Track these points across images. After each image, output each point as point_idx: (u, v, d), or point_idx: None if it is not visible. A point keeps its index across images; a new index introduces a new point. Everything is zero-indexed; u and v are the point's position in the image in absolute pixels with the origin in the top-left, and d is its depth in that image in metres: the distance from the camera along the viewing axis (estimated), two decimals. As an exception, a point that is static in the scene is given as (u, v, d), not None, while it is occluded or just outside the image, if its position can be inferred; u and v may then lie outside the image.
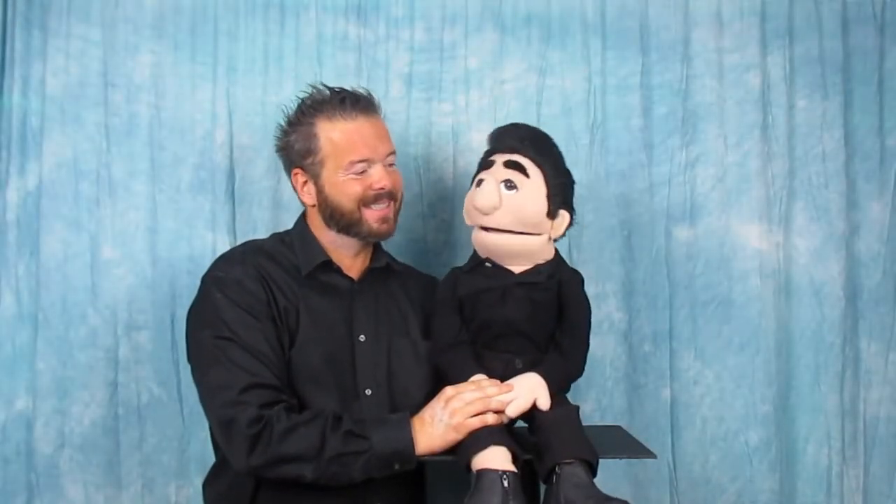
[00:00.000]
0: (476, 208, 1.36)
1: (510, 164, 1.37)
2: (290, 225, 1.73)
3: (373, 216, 1.46)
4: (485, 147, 1.57)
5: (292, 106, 1.51)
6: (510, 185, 1.35)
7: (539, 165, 1.38)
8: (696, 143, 1.83)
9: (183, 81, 1.78)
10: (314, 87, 1.48)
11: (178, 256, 1.77)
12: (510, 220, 1.35)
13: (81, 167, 1.76)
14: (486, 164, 1.40)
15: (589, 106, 1.83)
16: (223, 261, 1.49)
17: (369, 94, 1.49)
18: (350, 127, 1.44)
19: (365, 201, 1.45)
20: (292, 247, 1.51)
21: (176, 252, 1.77)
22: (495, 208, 1.34)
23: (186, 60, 1.79)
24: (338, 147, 1.44)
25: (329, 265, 1.49)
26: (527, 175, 1.36)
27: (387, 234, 1.50)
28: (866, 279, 1.81)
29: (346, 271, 1.51)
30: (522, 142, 1.40)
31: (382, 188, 1.45)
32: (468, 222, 1.46)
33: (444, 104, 1.83)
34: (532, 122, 1.63)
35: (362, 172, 1.44)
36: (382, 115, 1.52)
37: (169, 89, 1.78)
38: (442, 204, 1.82)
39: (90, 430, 1.73)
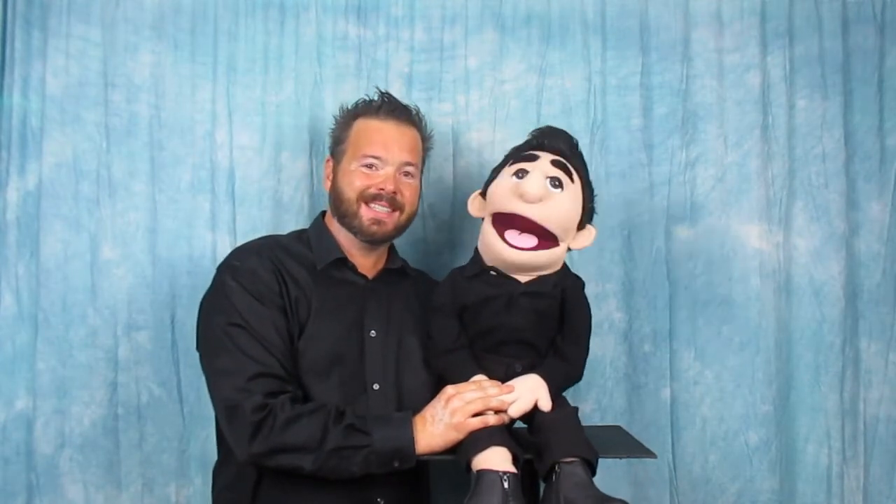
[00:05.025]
0: (522, 195, 1.33)
1: (558, 164, 1.37)
2: (289, 225, 1.74)
3: (367, 214, 1.49)
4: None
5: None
6: (556, 183, 1.35)
7: (580, 176, 1.40)
8: (696, 143, 1.83)
9: (183, 81, 1.78)
10: (377, 89, 1.57)
11: (178, 256, 1.77)
12: (549, 217, 1.34)
13: (81, 167, 1.76)
14: (527, 157, 1.39)
15: (589, 106, 1.83)
16: (240, 251, 1.52)
17: (415, 108, 1.58)
18: (376, 126, 1.52)
19: (365, 197, 1.49)
20: (309, 243, 1.54)
21: (176, 252, 1.77)
22: (542, 199, 1.33)
23: (186, 60, 1.79)
24: (359, 139, 1.52)
25: (344, 262, 1.52)
26: (572, 179, 1.37)
27: (377, 236, 1.51)
28: (866, 279, 1.80)
29: (360, 270, 1.53)
30: (570, 148, 1.42)
31: (382, 189, 1.48)
32: (481, 212, 1.44)
33: (444, 104, 1.83)
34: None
35: (371, 167, 1.49)
36: (426, 133, 1.60)
37: (169, 89, 1.78)
38: (442, 204, 1.82)
39: (90, 430, 1.73)
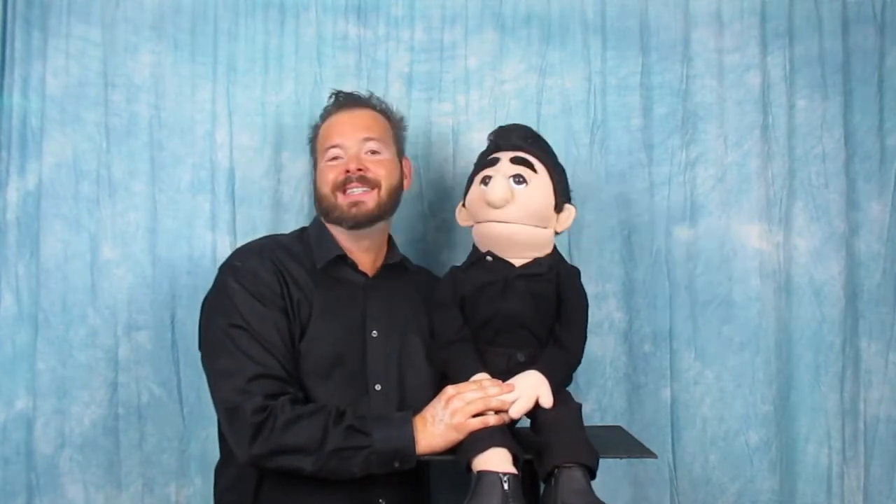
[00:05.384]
0: (489, 203, 1.36)
1: (517, 160, 1.39)
2: (289, 225, 1.74)
3: (345, 200, 1.50)
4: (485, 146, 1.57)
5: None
6: (520, 179, 1.37)
7: (543, 161, 1.41)
8: (696, 143, 1.83)
9: (183, 81, 1.78)
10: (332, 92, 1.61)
11: (178, 256, 1.77)
12: (521, 214, 1.36)
13: (81, 167, 1.76)
14: (489, 162, 1.42)
15: (589, 106, 1.83)
16: (242, 251, 1.52)
17: (365, 92, 1.61)
18: (332, 121, 1.56)
19: (337, 186, 1.50)
20: (309, 242, 1.54)
21: (176, 252, 1.77)
22: (508, 202, 1.35)
23: (186, 60, 1.79)
24: (321, 138, 1.56)
25: (344, 260, 1.52)
26: (534, 170, 1.39)
27: (359, 218, 1.50)
28: (866, 279, 1.80)
29: (360, 267, 1.53)
30: (526, 139, 1.43)
31: (348, 171, 1.49)
32: (468, 222, 1.46)
33: (444, 104, 1.83)
34: (532, 123, 1.64)
35: (335, 158, 1.52)
36: (392, 114, 1.60)
37: (169, 89, 1.78)
38: (442, 204, 1.82)
39: (90, 430, 1.73)
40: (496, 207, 1.35)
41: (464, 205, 1.48)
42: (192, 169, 1.78)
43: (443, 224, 1.82)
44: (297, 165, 1.80)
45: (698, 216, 1.82)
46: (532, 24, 1.84)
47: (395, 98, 1.78)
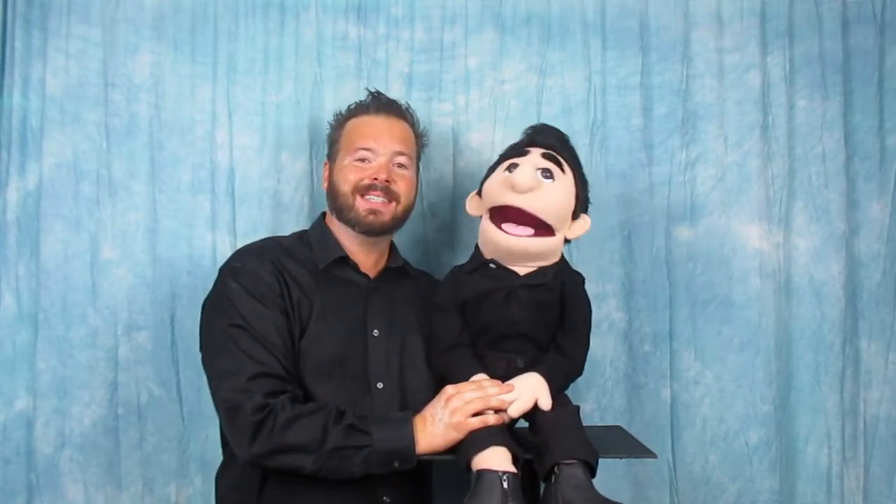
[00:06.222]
0: (513, 186, 1.35)
1: (549, 157, 1.40)
2: (289, 225, 1.74)
3: (363, 205, 1.50)
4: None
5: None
6: (547, 174, 1.37)
7: (572, 167, 1.42)
8: (696, 143, 1.83)
9: (183, 81, 1.78)
10: (368, 90, 1.60)
11: (178, 256, 1.77)
12: (541, 207, 1.36)
13: (81, 167, 1.76)
14: (519, 152, 1.42)
15: (589, 106, 1.83)
16: (241, 252, 1.52)
17: (406, 104, 1.60)
18: (367, 121, 1.55)
19: (359, 189, 1.50)
20: (310, 244, 1.55)
21: (176, 252, 1.77)
22: (532, 189, 1.35)
23: (186, 60, 1.79)
24: (351, 136, 1.54)
25: (345, 261, 1.52)
26: (563, 170, 1.39)
27: (374, 227, 1.50)
28: (866, 279, 1.81)
29: (362, 269, 1.54)
30: (561, 143, 1.45)
31: (376, 179, 1.49)
32: (478, 211, 1.45)
33: (444, 104, 1.83)
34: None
35: (364, 160, 1.51)
36: (419, 128, 1.61)
37: (169, 89, 1.78)
38: (442, 204, 1.82)
39: (90, 430, 1.73)
40: (520, 192, 1.35)
41: (478, 193, 1.47)
42: (192, 169, 1.78)
43: (443, 224, 1.82)
44: (297, 165, 1.80)
45: (698, 216, 1.82)
46: (532, 24, 1.84)
47: (395, 98, 1.78)
